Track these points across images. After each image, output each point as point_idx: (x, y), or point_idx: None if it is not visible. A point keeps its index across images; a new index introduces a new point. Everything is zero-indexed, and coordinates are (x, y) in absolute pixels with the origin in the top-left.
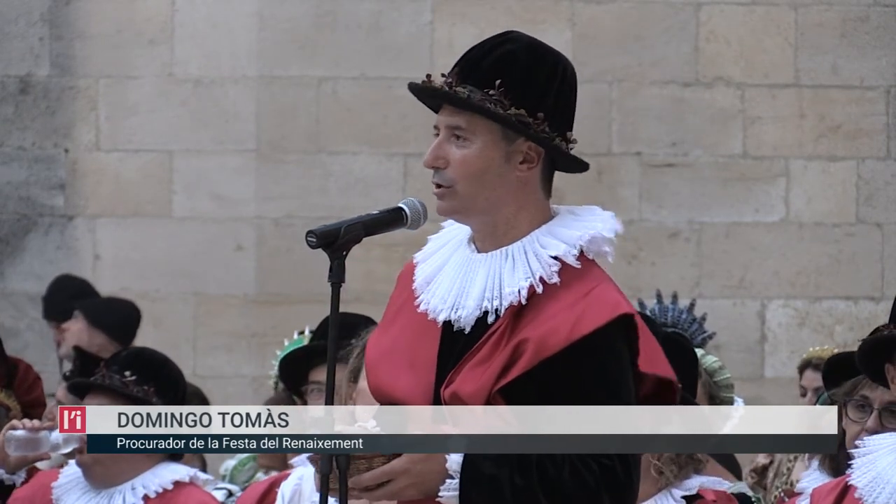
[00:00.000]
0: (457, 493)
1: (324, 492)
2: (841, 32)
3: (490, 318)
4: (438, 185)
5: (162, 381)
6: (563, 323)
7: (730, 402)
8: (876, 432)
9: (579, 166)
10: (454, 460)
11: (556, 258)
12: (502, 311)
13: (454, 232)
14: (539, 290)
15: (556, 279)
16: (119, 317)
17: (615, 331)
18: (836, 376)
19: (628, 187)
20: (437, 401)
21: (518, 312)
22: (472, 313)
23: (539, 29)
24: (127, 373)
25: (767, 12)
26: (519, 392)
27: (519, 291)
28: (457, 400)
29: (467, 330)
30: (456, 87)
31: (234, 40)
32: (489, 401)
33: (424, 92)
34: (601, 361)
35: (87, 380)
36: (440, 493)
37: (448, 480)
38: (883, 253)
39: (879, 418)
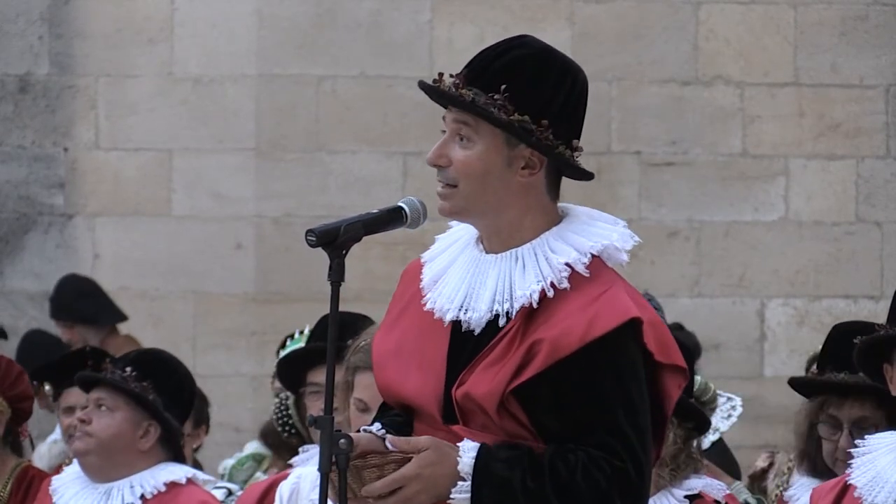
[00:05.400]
0: (468, 495)
1: (323, 491)
2: (840, 31)
3: (501, 321)
4: (444, 185)
5: (160, 378)
6: (576, 324)
7: (712, 408)
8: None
9: (584, 174)
10: (466, 463)
11: (566, 264)
12: (514, 313)
13: (462, 231)
14: (550, 294)
15: (565, 284)
16: (98, 304)
17: (626, 334)
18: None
19: (627, 186)
20: (447, 402)
21: (529, 314)
22: (483, 315)
23: (538, 28)
24: (128, 369)
25: (767, 11)
26: (532, 392)
27: (530, 295)
28: (469, 401)
29: (477, 331)
30: (462, 88)
31: (234, 39)
32: (502, 401)
33: (432, 92)
34: (614, 363)
35: (94, 374)
36: (451, 496)
37: (460, 483)
38: (882, 252)
39: (851, 435)
